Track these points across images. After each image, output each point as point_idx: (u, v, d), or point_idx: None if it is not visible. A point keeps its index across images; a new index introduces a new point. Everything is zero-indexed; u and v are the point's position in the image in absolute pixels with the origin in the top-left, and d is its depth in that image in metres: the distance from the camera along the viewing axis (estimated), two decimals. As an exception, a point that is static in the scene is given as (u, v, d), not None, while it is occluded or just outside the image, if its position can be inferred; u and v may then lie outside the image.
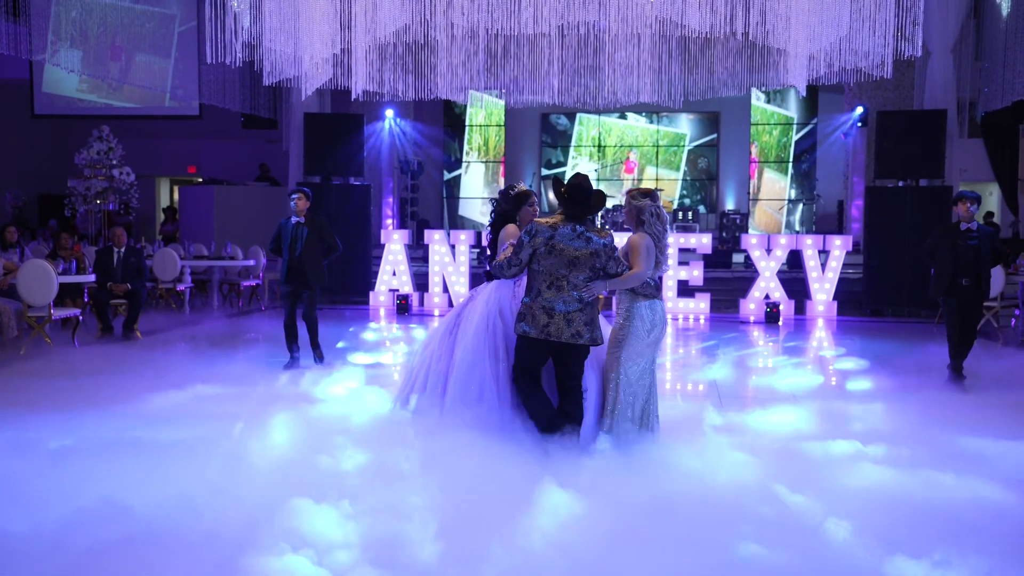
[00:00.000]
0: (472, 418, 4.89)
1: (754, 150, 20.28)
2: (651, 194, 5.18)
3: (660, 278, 5.23)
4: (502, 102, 19.69)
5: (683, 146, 21.21)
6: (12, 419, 5.87)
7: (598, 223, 10.61)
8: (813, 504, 4.24)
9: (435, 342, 5.34)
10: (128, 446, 5.10)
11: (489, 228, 5.48)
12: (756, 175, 20.43)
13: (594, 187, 4.98)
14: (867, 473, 4.81)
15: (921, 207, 13.26)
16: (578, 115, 21.08)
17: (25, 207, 20.90)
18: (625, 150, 21.20)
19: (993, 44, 13.93)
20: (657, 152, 21.16)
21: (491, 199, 18.78)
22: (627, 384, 5.05)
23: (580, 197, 4.89)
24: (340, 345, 9.78)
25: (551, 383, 5.04)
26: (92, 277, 10.50)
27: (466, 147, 21.24)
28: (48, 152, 21.49)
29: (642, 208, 5.10)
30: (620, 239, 5.42)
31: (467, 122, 21.11)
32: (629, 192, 5.24)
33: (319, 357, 8.54)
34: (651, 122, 21.14)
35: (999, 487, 4.58)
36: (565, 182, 5.01)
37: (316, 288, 8.44)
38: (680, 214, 18.78)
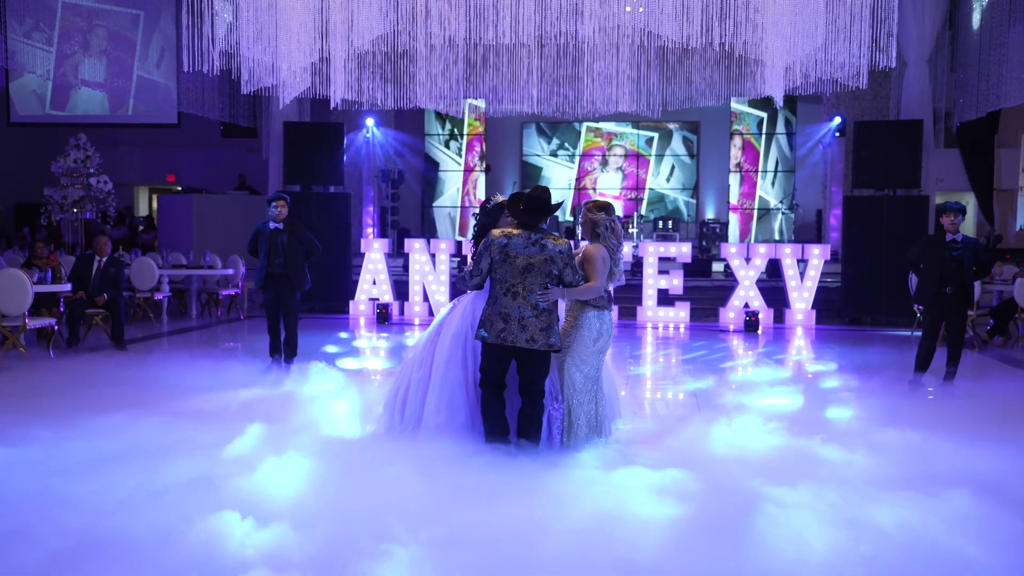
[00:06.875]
0: (446, 422, 5.02)
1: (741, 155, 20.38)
2: (607, 208, 5.28)
3: (612, 291, 5.32)
4: (478, 121, 19.81)
5: (662, 155, 21.30)
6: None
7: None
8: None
9: (419, 350, 5.45)
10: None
11: (472, 239, 5.55)
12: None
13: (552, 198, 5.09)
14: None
15: (898, 216, 13.38)
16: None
17: (0, 216, 20.68)
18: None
19: (968, 55, 14.10)
20: (637, 164, 21.23)
21: (473, 212, 18.79)
22: (570, 389, 5.15)
23: (536, 207, 5.00)
24: (319, 358, 9.64)
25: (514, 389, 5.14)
26: (68, 286, 10.36)
27: (441, 167, 21.21)
28: (24, 160, 21.29)
29: (597, 221, 5.21)
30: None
31: (440, 131, 21.07)
32: (586, 204, 5.34)
33: (291, 355, 8.51)
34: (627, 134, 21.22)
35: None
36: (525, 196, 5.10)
37: (298, 291, 8.47)
38: (660, 223, 18.84)
